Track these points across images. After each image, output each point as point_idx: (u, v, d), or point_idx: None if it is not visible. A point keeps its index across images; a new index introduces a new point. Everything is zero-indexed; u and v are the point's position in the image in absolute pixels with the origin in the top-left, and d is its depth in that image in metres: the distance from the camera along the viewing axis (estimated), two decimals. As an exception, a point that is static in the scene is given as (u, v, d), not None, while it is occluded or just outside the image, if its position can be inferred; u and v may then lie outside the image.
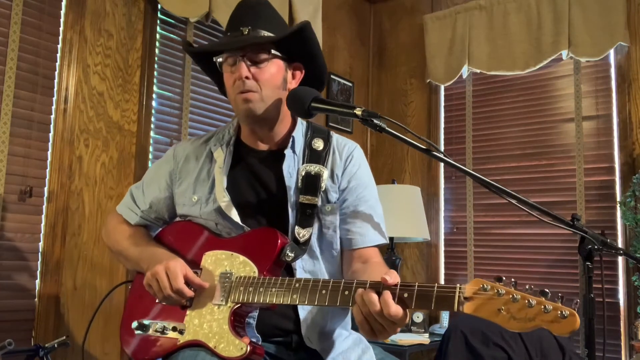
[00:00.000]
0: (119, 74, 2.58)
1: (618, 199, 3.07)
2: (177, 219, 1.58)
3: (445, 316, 3.38)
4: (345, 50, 3.89)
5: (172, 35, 2.84)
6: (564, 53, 3.24)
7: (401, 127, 1.34)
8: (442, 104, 3.83)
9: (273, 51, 1.41)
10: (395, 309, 1.07)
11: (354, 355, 1.43)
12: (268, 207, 1.46)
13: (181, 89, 2.84)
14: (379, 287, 1.11)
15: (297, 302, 1.22)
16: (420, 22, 3.86)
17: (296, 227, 1.41)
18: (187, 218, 1.51)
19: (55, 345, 1.92)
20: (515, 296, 1.00)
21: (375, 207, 1.51)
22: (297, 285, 1.23)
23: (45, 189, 2.30)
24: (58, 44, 2.38)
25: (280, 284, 1.25)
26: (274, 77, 1.42)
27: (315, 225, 1.44)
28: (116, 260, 2.36)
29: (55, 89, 2.35)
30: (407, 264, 3.78)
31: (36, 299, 2.24)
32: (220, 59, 1.45)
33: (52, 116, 2.34)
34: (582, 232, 1.29)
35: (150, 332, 1.36)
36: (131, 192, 1.61)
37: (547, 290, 1.00)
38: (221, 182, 1.44)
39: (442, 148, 3.75)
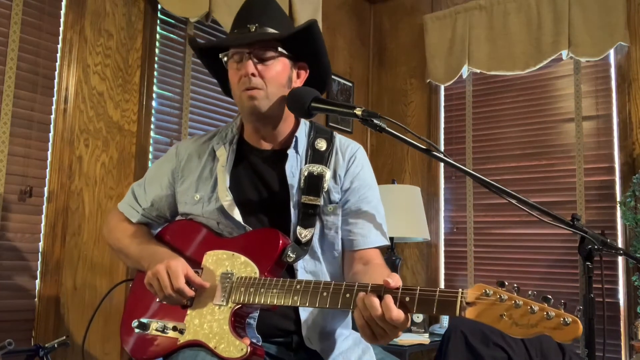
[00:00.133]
0: (119, 74, 2.58)
1: (618, 199, 3.06)
2: (179, 217, 1.57)
3: (445, 316, 3.38)
4: (345, 50, 3.89)
5: (172, 35, 2.84)
6: (564, 53, 3.24)
7: (401, 127, 1.34)
8: (442, 104, 3.83)
9: (280, 49, 1.41)
10: (397, 314, 1.07)
11: (354, 356, 1.42)
12: (270, 207, 1.45)
13: (181, 89, 2.84)
14: (380, 291, 1.10)
15: (298, 304, 1.21)
16: (420, 22, 3.86)
17: (298, 227, 1.41)
18: (189, 217, 1.50)
19: (55, 345, 1.92)
20: (517, 302, 1.00)
21: (377, 208, 1.51)
22: (298, 287, 1.22)
23: (45, 189, 2.30)
24: (58, 44, 2.38)
25: (282, 286, 1.24)
26: (280, 75, 1.41)
27: (317, 226, 1.43)
28: (117, 257, 2.36)
29: (55, 89, 2.35)
30: (407, 264, 3.78)
31: (36, 299, 2.24)
32: (226, 57, 1.44)
33: (52, 116, 2.34)
34: (582, 232, 1.29)
35: (151, 331, 1.36)
36: (133, 190, 1.61)
37: (550, 297, 1.00)
38: (224, 180, 1.44)
39: (442, 148, 3.75)
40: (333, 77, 3.71)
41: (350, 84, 3.89)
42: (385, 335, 1.10)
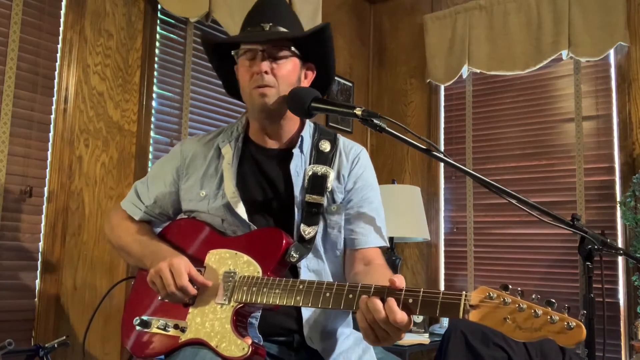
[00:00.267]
0: (119, 74, 2.58)
1: (618, 199, 3.06)
2: (182, 215, 1.57)
3: (445, 316, 3.37)
4: (345, 50, 3.89)
5: (172, 35, 2.84)
6: (564, 53, 3.24)
7: (401, 127, 1.34)
8: (442, 104, 3.83)
9: (292, 49, 1.43)
10: (401, 316, 1.06)
11: (354, 355, 1.43)
12: (274, 205, 1.46)
13: (181, 89, 2.84)
14: (383, 293, 1.10)
15: (300, 304, 1.21)
16: (420, 22, 3.86)
17: (302, 225, 1.41)
18: (194, 214, 1.50)
19: (55, 345, 1.92)
20: (521, 305, 0.99)
21: (379, 210, 1.52)
22: (300, 287, 1.22)
23: (45, 189, 2.30)
24: (58, 44, 2.38)
25: (284, 285, 1.24)
26: (291, 74, 1.43)
27: (321, 225, 1.44)
28: (118, 255, 2.37)
29: (55, 89, 2.35)
30: (407, 264, 3.78)
31: (36, 299, 2.24)
32: (236, 54, 1.46)
33: (52, 116, 2.34)
34: (582, 232, 1.29)
35: (152, 329, 1.36)
36: (135, 187, 1.61)
37: (554, 301, 0.99)
38: (230, 177, 1.45)
39: (442, 148, 3.75)
40: (333, 77, 3.71)
41: (350, 84, 3.89)
42: (388, 338, 1.10)
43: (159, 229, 1.59)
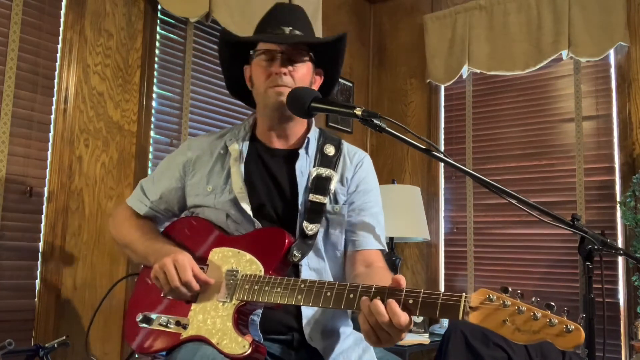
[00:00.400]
0: (119, 74, 2.58)
1: (618, 199, 3.06)
2: (186, 212, 1.60)
3: (445, 316, 3.37)
4: (345, 51, 3.88)
5: (172, 35, 2.84)
6: (564, 53, 3.24)
7: (401, 127, 1.34)
8: (442, 104, 3.83)
9: (310, 54, 1.50)
10: (404, 318, 1.07)
11: (354, 355, 1.44)
12: (278, 203, 1.48)
13: (181, 89, 2.84)
14: (384, 293, 1.11)
15: (301, 303, 1.22)
16: (420, 22, 3.86)
17: (304, 222, 1.43)
18: (199, 209, 1.52)
19: (55, 345, 1.92)
20: (521, 308, 1.00)
21: (380, 215, 1.56)
22: (302, 286, 1.23)
23: (45, 189, 2.30)
24: (58, 44, 2.38)
25: (286, 284, 1.25)
26: (305, 77, 1.48)
27: (323, 224, 1.46)
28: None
29: (55, 89, 2.35)
30: (407, 264, 3.78)
31: (36, 299, 2.24)
32: (252, 53, 1.50)
33: (52, 116, 2.34)
34: (582, 232, 1.29)
35: (154, 325, 1.37)
36: (141, 184, 1.64)
37: (553, 304, 1.00)
38: (238, 173, 1.48)
39: (442, 148, 3.75)
40: (333, 77, 3.71)
41: (350, 84, 3.89)
42: (390, 339, 1.11)
43: (162, 227, 1.61)
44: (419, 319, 3.25)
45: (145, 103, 2.65)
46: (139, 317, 1.40)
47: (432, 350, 3.13)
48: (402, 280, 1.11)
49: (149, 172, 2.65)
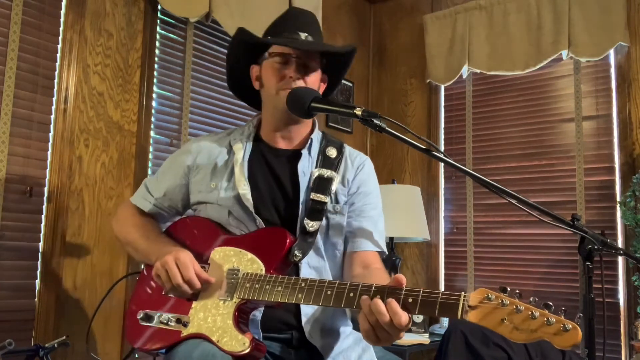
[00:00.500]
0: (119, 74, 2.58)
1: (618, 199, 3.06)
2: (189, 212, 1.63)
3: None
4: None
5: (172, 35, 2.83)
6: (564, 53, 3.24)
7: (401, 127, 1.35)
8: (442, 104, 3.83)
9: (321, 61, 1.55)
10: (405, 318, 1.09)
11: (354, 354, 1.44)
12: (280, 201, 1.51)
13: (181, 89, 2.84)
14: (383, 292, 1.12)
15: (302, 302, 1.24)
16: (420, 22, 3.86)
17: (305, 219, 1.45)
18: (202, 206, 1.54)
19: (55, 345, 1.92)
20: (519, 307, 1.01)
21: (380, 218, 1.58)
22: (302, 285, 1.24)
23: (45, 189, 2.30)
24: (58, 44, 2.38)
25: (287, 283, 1.27)
26: (315, 83, 1.53)
27: (323, 223, 1.48)
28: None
29: (55, 89, 2.35)
30: (407, 264, 3.78)
31: (36, 299, 2.24)
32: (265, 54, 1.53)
33: (52, 116, 2.34)
34: (582, 232, 1.29)
35: (155, 323, 1.38)
36: (145, 182, 1.67)
37: (551, 304, 1.01)
38: (242, 171, 1.51)
39: (442, 148, 3.75)
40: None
41: (350, 84, 3.89)
42: (389, 338, 1.12)
43: (165, 226, 1.63)
44: (419, 319, 3.25)
45: (145, 103, 2.65)
46: (140, 314, 1.41)
47: (432, 350, 3.13)
48: (403, 279, 1.12)
49: (149, 172, 2.65)
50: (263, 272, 1.32)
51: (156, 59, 2.74)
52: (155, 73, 2.73)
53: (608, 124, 3.21)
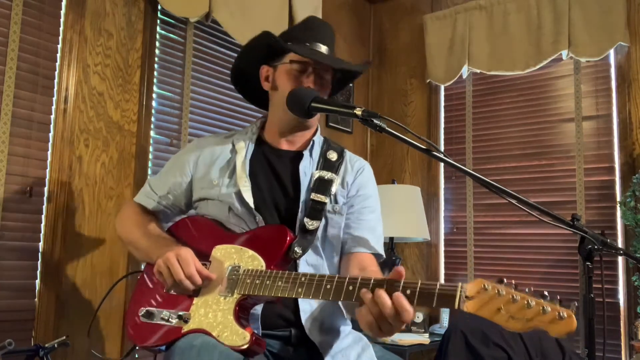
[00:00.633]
0: (119, 74, 2.58)
1: (618, 199, 3.06)
2: (191, 212, 1.65)
3: (445, 316, 3.37)
4: (345, 51, 3.88)
5: (172, 35, 2.83)
6: (564, 53, 3.24)
7: (401, 127, 1.35)
8: (442, 104, 3.83)
9: (334, 75, 1.62)
10: (412, 311, 1.10)
11: (353, 353, 1.45)
12: (281, 200, 1.53)
13: (181, 89, 2.84)
14: (382, 284, 1.14)
15: (302, 296, 1.25)
16: (420, 22, 3.86)
17: (305, 218, 1.48)
18: (202, 202, 1.57)
19: (55, 345, 1.92)
20: (515, 297, 1.03)
21: (378, 221, 1.61)
22: (302, 279, 1.26)
23: (45, 189, 2.30)
24: (58, 44, 2.37)
25: (287, 278, 1.28)
26: (327, 94, 1.60)
27: (322, 222, 1.50)
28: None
29: (55, 89, 2.35)
30: (407, 264, 3.78)
31: (36, 299, 2.24)
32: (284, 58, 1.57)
33: (52, 116, 2.34)
34: (582, 232, 1.29)
35: (156, 320, 1.39)
36: (149, 181, 1.71)
37: (547, 294, 1.02)
38: (244, 169, 1.54)
39: (442, 148, 3.75)
40: (333, 77, 3.71)
41: (350, 84, 3.88)
42: (390, 329, 1.13)
43: (168, 225, 1.65)
44: (419, 319, 3.25)
45: (145, 103, 2.65)
46: (142, 311, 1.42)
47: (432, 350, 3.13)
48: (402, 271, 1.14)
49: (149, 172, 2.66)
50: (264, 268, 1.34)
51: (156, 59, 2.74)
52: (155, 73, 2.73)
53: (608, 124, 3.21)
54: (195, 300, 1.36)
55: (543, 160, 3.39)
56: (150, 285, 1.48)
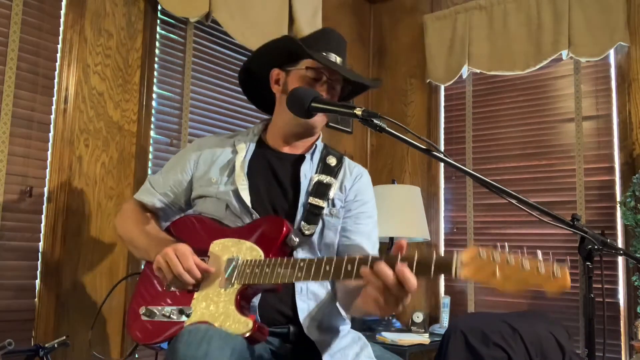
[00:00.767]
0: (119, 74, 2.58)
1: (618, 199, 3.06)
2: (190, 212, 1.66)
3: (445, 316, 3.37)
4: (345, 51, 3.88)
5: (172, 35, 2.83)
6: (564, 53, 3.24)
7: (401, 127, 1.35)
8: (442, 104, 3.82)
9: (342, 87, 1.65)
10: (413, 276, 1.10)
11: (352, 352, 1.46)
12: (279, 202, 1.54)
13: (181, 89, 2.84)
14: (380, 259, 1.15)
15: (301, 280, 1.26)
16: (420, 22, 3.86)
17: (302, 222, 1.49)
18: (201, 199, 1.58)
19: (55, 345, 1.92)
20: (509, 259, 1.05)
21: (373, 228, 1.63)
22: (301, 264, 1.27)
23: (45, 189, 2.30)
24: (58, 44, 2.37)
25: (286, 264, 1.29)
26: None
27: (319, 225, 1.52)
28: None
29: (55, 89, 2.35)
30: (407, 264, 3.77)
31: (36, 299, 2.24)
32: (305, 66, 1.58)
33: (52, 116, 2.34)
34: (582, 232, 1.29)
35: (158, 317, 1.40)
36: (149, 179, 1.73)
37: (540, 254, 1.05)
38: (242, 168, 1.55)
39: (442, 148, 3.75)
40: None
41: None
42: (396, 302, 1.14)
43: (167, 223, 1.66)
44: (419, 319, 3.25)
45: (145, 103, 2.65)
46: (142, 310, 1.43)
47: (432, 350, 3.13)
48: (404, 243, 1.16)
49: (149, 172, 2.65)
50: (262, 257, 1.35)
51: (156, 59, 2.74)
52: (155, 73, 2.73)
53: (608, 124, 3.21)
54: (196, 294, 1.37)
55: (543, 161, 3.38)
56: (151, 285, 1.49)
